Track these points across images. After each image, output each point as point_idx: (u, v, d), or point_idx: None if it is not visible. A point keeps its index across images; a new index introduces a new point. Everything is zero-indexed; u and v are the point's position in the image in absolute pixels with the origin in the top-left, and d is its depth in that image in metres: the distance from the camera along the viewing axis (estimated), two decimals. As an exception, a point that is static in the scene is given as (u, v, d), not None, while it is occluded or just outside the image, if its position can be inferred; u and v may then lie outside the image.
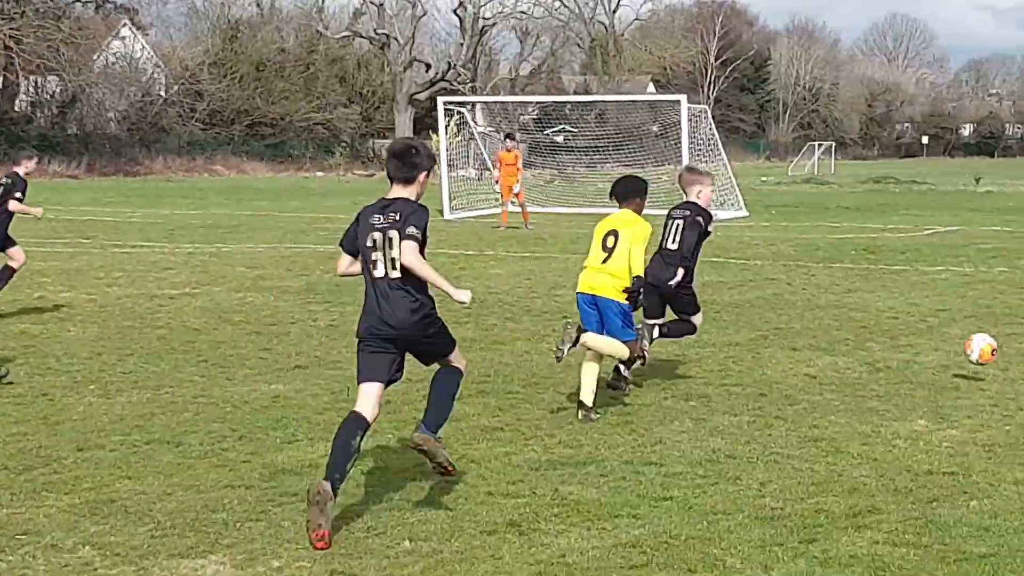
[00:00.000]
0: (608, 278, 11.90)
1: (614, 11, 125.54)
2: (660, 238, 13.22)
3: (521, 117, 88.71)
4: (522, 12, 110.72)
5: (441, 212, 41.25)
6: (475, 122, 58.95)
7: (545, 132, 70.05)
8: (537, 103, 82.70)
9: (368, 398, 8.77)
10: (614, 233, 11.97)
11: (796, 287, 21.73)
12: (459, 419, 11.54)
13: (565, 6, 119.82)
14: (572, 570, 7.65)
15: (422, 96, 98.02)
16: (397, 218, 8.65)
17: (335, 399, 12.52)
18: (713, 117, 52.00)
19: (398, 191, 8.88)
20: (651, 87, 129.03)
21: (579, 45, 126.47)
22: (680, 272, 13.07)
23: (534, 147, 61.61)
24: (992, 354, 13.67)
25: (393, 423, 11.41)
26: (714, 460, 10.22)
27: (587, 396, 11.82)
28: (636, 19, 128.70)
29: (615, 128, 61.41)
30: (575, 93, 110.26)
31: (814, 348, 15.60)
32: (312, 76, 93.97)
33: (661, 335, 13.21)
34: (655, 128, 62.18)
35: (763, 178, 76.07)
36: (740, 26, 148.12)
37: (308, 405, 12.31)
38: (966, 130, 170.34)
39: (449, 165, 43.72)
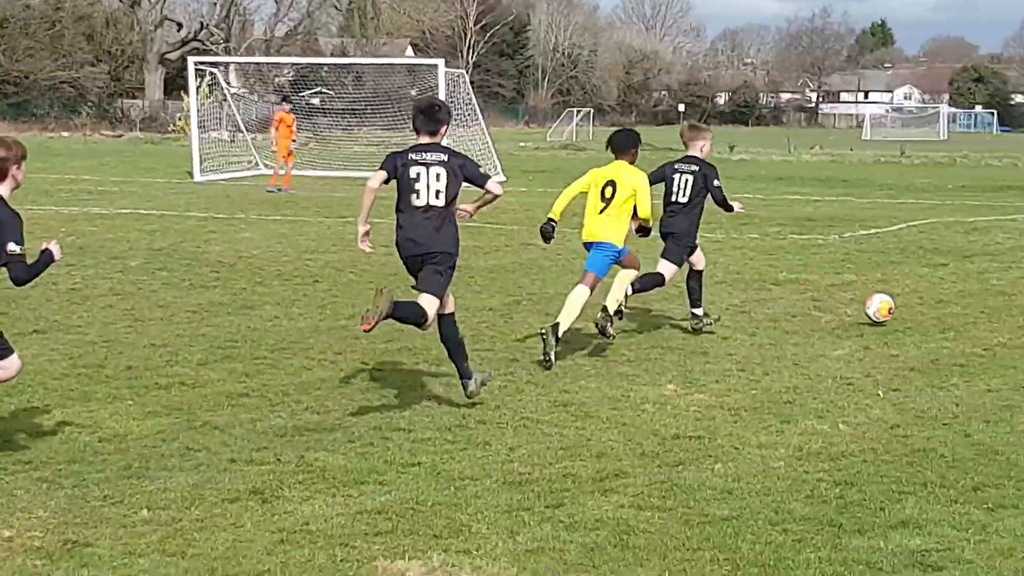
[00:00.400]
0: (606, 225, 12.93)
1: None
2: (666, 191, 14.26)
3: (276, 79, 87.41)
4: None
5: (191, 174, 40.37)
6: (228, 83, 57.89)
7: (301, 95, 69.16)
8: (293, 65, 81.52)
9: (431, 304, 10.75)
10: (612, 184, 12.98)
11: (552, 252, 21.72)
12: (203, 384, 11.29)
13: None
14: (315, 537, 7.48)
15: (173, 56, 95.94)
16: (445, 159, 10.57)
17: (73, 365, 12.09)
18: (472, 82, 52.08)
19: (425, 140, 10.66)
20: (410, 51, 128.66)
21: (336, 7, 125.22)
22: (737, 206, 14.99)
23: (290, 110, 60.76)
24: (889, 312, 14.59)
25: (134, 389, 11.06)
26: (463, 425, 10.13)
27: (567, 321, 12.83)
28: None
29: (373, 91, 60.99)
30: (332, 55, 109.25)
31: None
32: (58, 34, 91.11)
33: (634, 291, 13.72)
34: (413, 92, 61.90)
35: (522, 143, 76.48)
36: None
37: (45, 371, 11.84)
38: (722, 98, 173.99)
39: (200, 127, 42.80)
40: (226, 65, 70.56)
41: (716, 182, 14.37)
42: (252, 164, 44.86)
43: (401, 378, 11.91)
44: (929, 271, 19.90)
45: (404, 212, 10.67)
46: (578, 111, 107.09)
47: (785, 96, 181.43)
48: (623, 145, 13.35)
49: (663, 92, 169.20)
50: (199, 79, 45.96)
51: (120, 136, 77.29)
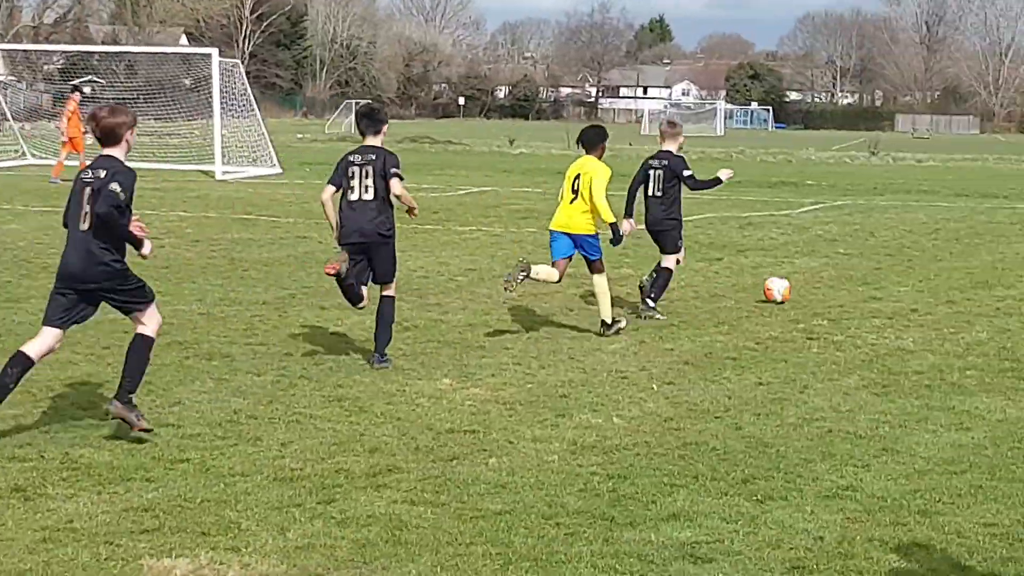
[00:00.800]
0: (577, 216, 13.95)
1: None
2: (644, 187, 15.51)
3: (45, 67, 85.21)
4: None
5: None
6: (-4, 70, 56.23)
7: (71, 83, 67.55)
8: (62, 53, 79.47)
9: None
10: (578, 177, 13.99)
11: (328, 245, 21.49)
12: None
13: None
14: (79, 536, 7.28)
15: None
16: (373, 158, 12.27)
17: None
18: (248, 72, 51.40)
19: (370, 141, 12.47)
20: (184, 39, 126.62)
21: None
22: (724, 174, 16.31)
23: (59, 98, 59.24)
24: (788, 292, 16.18)
25: None
26: (234, 421, 9.94)
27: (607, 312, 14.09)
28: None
29: (145, 80, 59.81)
30: (103, 43, 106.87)
31: (342, 307, 15.33)
32: None
33: (655, 300, 15.22)
34: (187, 82, 60.88)
35: (299, 135, 75.94)
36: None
37: None
38: (502, 92, 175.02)
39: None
40: (-7, 51, 68.48)
41: (686, 172, 15.53)
42: (19, 154, 43.56)
43: (171, 373, 11.65)
44: (704, 265, 20.24)
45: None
46: (357, 103, 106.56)
47: (565, 90, 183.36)
48: (592, 141, 14.33)
49: (443, 85, 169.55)
50: (-36, 66, 44.53)
51: None
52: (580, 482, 8.49)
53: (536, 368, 12.25)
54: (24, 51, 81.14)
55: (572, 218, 14.02)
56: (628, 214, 15.46)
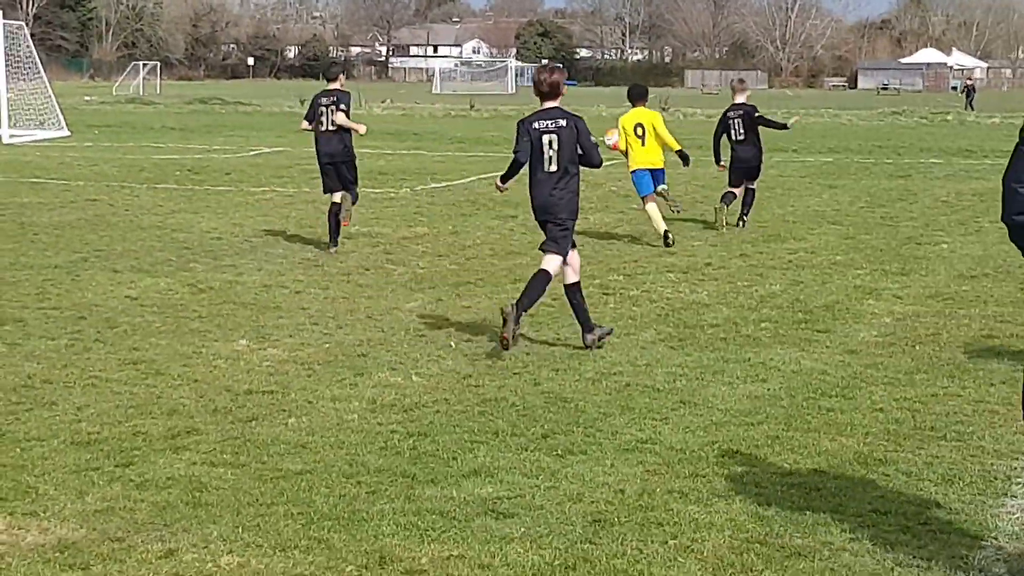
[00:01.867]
0: (655, 154, 18.00)
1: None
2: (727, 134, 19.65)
3: None
4: None
5: None
6: None
7: None
8: None
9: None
10: (639, 125, 17.84)
11: (119, 208, 21.28)
12: None
13: None
14: None
15: None
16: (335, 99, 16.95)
17: None
18: (33, 35, 50.04)
19: (332, 86, 17.26)
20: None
21: None
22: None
23: None
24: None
25: None
26: (29, 386, 9.76)
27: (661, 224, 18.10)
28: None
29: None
30: None
31: (136, 270, 15.27)
32: None
33: (746, 216, 19.95)
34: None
35: (87, 97, 74.27)
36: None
37: None
38: (291, 52, 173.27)
39: None
40: None
41: (756, 114, 19.82)
42: None
43: (-41, 340, 11.37)
44: (499, 223, 20.36)
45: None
46: (145, 64, 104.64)
47: (355, 50, 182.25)
48: (642, 94, 18.24)
49: (232, 46, 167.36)
50: None
51: None
52: (380, 440, 8.51)
53: (334, 328, 12.22)
54: None
55: (652, 156, 17.91)
56: (717, 159, 20.01)
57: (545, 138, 11.10)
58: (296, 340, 11.65)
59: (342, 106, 16.80)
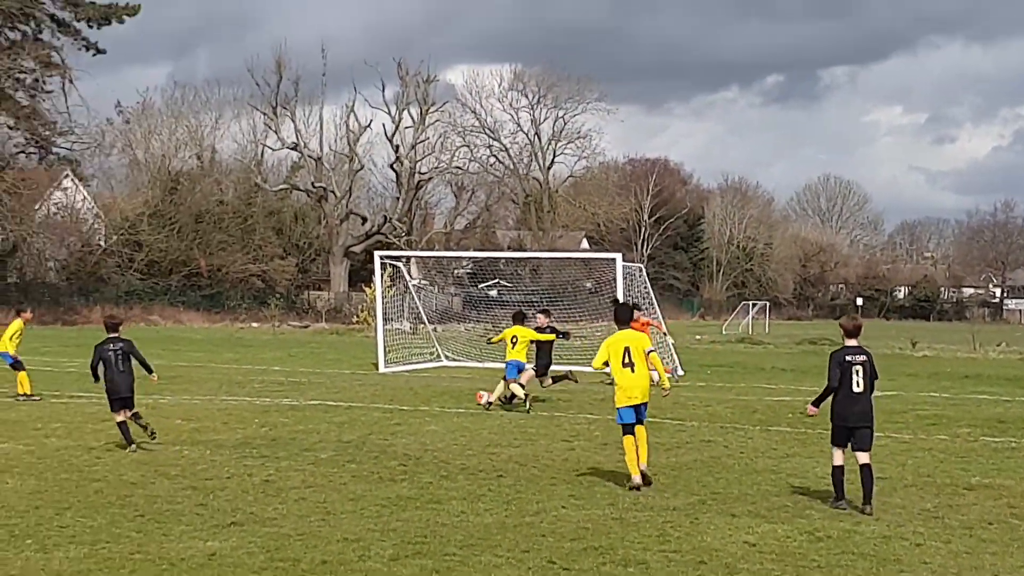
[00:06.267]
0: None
1: (549, 167, 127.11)
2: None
3: (455, 271, 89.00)
4: (457, 167, 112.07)
5: (376, 365, 41.10)
6: (410, 275, 59.06)
7: (479, 286, 70.24)
8: (471, 258, 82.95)
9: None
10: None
11: (733, 450, 21.63)
12: (394, 584, 11.37)
13: (500, 162, 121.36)
14: None
15: (358, 249, 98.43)
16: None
17: (271, 558, 12.32)
18: (647, 274, 52.32)
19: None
20: (585, 243, 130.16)
21: (514, 200, 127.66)
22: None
23: (468, 301, 61.68)
24: None
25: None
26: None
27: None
28: (570, 176, 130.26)
29: (549, 283, 61.75)
30: (509, 248, 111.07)
31: (753, 515, 15.47)
32: (250, 228, 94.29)
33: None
34: (589, 284, 62.49)
35: (698, 336, 76.31)
36: (674, 184, 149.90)
37: (244, 564, 12.10)
38: (901, 292, 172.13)
39: (384, 318, 43.65)
40: (408, 258, 71.98)
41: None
42: (434, 356, 45.50)
43: (590, 579, 11.88)
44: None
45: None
46: (754, 304, 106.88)
47: (967, 291, 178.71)
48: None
49: (840, 285, 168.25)
50: (382, 271, 47.02)
51: (307, 327, 79.22)
52: None
53: (957, 584, 11.89)
54: (436, 257, 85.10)
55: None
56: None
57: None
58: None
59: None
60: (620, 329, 17.72)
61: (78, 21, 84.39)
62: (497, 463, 19.33)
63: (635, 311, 17.85)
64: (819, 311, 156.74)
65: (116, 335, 20.61)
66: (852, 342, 16.38)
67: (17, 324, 29.52)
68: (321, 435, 22.39)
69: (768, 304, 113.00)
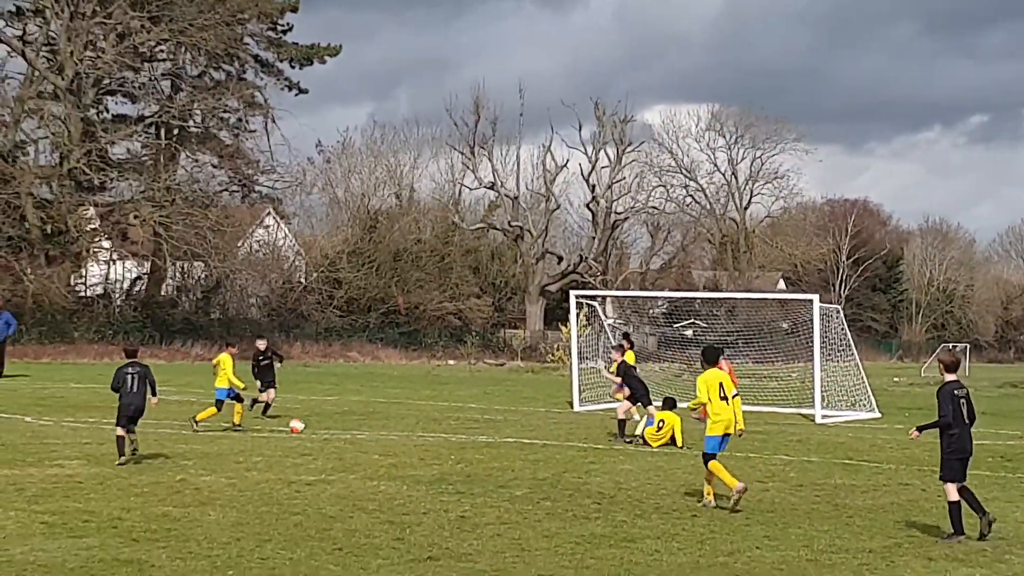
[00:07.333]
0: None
1: (745, 208, 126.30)
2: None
3: (651, 311, 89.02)
4: (653, 207, 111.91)
5: (571, 404, 41.42)
6: (605, 314, 59.30)
7: (674, 326, 70.19)
8: (667, 298, 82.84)
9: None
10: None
11: (931, 494, 21.40)
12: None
13: (696, 202, 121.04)
14: None
15: (553, 288, 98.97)
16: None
17: (467, 594, 12.63)
18: (845, 316, 51.84)
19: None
20: (781, 283, 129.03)
21: (710, 240, 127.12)
22: None
23: (663, 341, 61.70)
24: None
25: None
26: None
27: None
28: (767, 216, 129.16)
29: (745, 324, 61.49)
30: (705, 288, 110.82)
31: (950, 559, 15.38)
32: (447, 266, 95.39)
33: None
34: (785, 325, 62.10)
35: (896, 378, 75.22)
36: (873, 225, 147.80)
37: (441, 599, 12.41)
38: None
39: (579, 357, 43.95)
40: (603, 297, 72.21)
41: None
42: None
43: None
44: None
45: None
46: (953, 346, 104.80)
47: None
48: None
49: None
50: (578, 310, 47.33)
51: (502, 365, 79.85)
52: None
53: None
54: (632, 296, 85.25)
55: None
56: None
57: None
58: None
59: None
60: (708, 368, 19.16)
61: (281, 61, 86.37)
62: (691, 503, 19.45)
63: (720, 355, 19.47)
64: (1021, 354, 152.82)
65: (135, 360, 23.11)
66: (952, 376, 17.15)
67: (229, 360, 30.38)
68: (516, 472, 22.72)
69: (968, 347, 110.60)
